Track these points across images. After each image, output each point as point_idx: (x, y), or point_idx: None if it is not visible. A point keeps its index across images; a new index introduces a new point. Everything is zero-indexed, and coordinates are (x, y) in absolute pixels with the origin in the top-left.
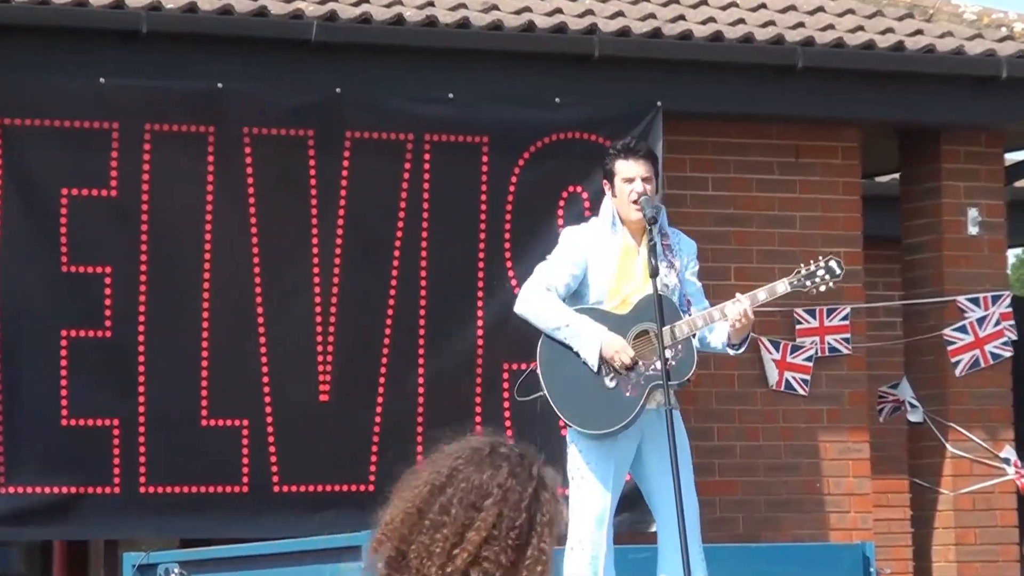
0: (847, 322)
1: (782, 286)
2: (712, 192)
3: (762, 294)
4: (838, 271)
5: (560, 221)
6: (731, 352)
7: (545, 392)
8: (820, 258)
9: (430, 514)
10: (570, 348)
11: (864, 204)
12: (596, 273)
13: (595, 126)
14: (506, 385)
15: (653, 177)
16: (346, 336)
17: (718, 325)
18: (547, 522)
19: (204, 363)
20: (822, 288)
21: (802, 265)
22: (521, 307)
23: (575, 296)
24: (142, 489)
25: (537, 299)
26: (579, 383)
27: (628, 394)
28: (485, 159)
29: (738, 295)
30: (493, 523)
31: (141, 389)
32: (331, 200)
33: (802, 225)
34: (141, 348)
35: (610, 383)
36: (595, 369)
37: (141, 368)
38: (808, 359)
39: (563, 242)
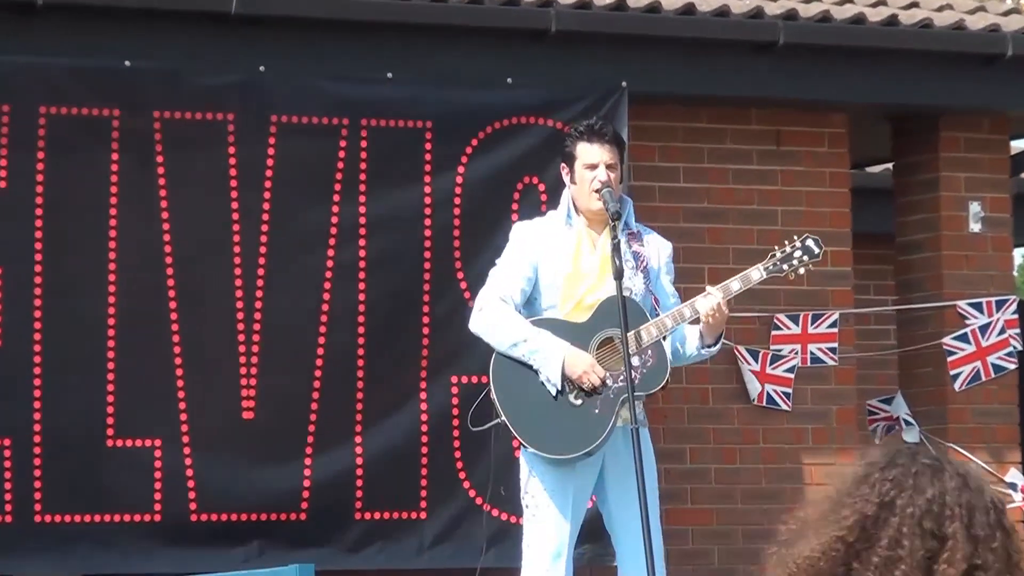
0: (834, 330)
1: (756, 273)
2: (683, 184)
3: (735, 284)
4: (816, 250)
5: (515, 216)
6: (704, 353)
7: (503, 418)
8: (796, 238)
9: (876, 549)
10: (527, 363)
11: (853, 198)
12: (548, 273)
13: (552, 110)
14: (455, 400)
15: (618, 165)
16: (273, 345)
17: (689, 329)
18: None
19: (110, 376)
20: (800, 271)
21: (776, 248)
22: (475, 324)
23: (527, 302)
24: (38, 518)
25: (491, 314)
26: (541, 403)
27: (597, 412)
28: (429, 147)
29: (709, 288)
30: (970, 551)
31: (37, 405)
32: (254, 193)
33: (784, 221)
34: (37, 359)
35: (576, 400)
36: (554, 394)
37: (37, 382)
38: (789, 370)
39: (512, 241)
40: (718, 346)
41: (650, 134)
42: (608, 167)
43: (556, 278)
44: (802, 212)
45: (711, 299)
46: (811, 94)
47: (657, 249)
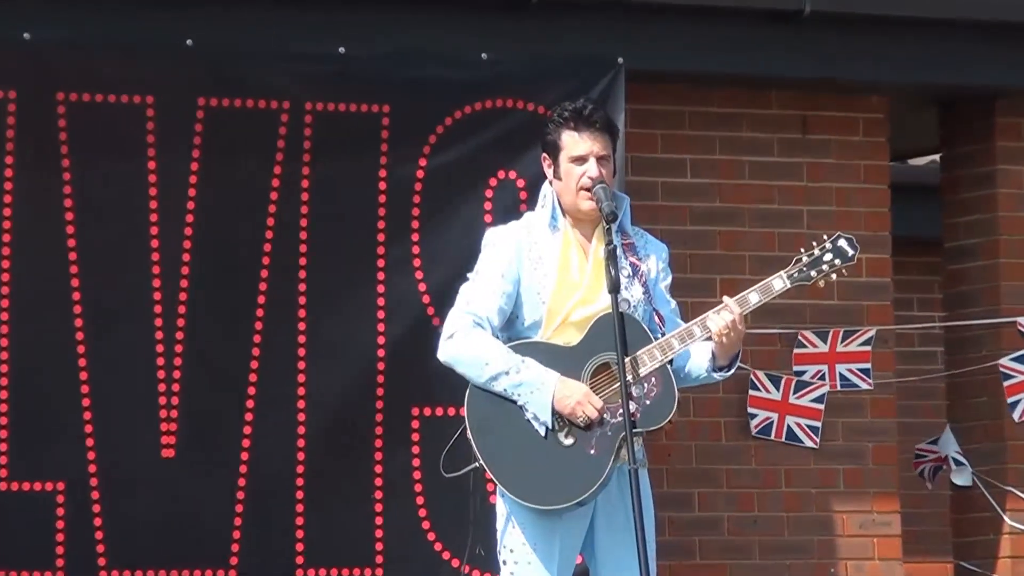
0: (868, 348)
1: (779, 282)
2: (691, 179)
3: (754, 296)
4: (850, 252)
5: (488, 217)
6: (717, 377)
7: (480, 461)
8: (825, 237)
9: None
10: (511, 398)
11: (894, 195)
12: (531, 288)
13: (533, 92)
14: (416, 436)
15: (611, 156)
16: (198, 371)
17: (698, 347)
18: None
19: (2, 408)
20: (832, 277)
21: (803, 251)
22: (445, 354)
23: (506, 323)
24: None
25: (464, 341)
26: (526, 444)
27: (593, 452)
28: (386, 135)
29: (726, 299)
30: None
31: None
32: (177, 189)
33: (811, 223)
34: None
35: (567, 440)
36: (543, 433)
37: None
38: (817, 400)
39: (486, 250)
40: (732, 370)
41: (652, 120)
42: (599, 160)
43: (541, 293)
44: (832, 212)
45: (725, 315)
46: (843, 72)
47: (655, 254)
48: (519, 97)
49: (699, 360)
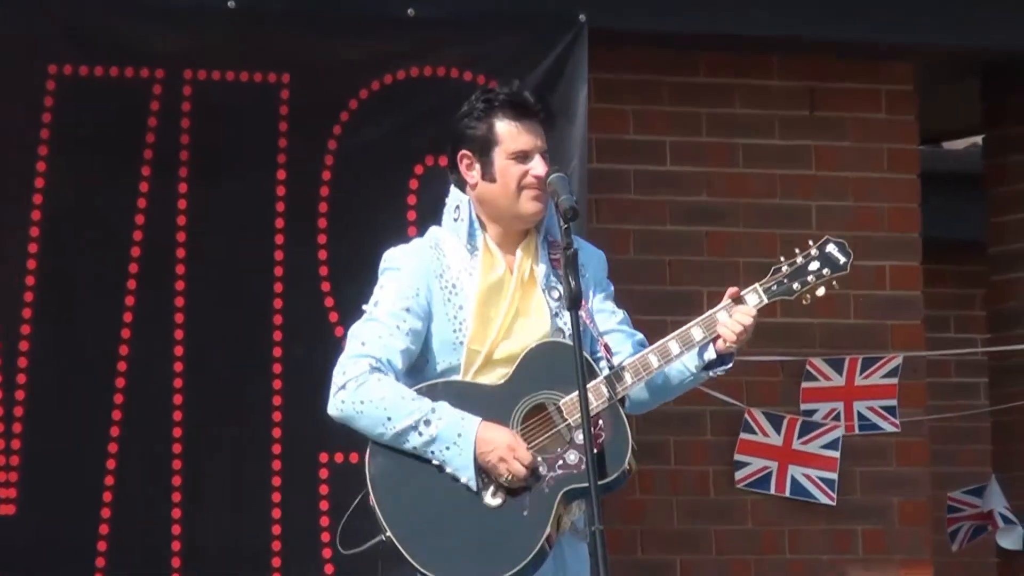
0: (894, 380)
1: (753, 297)
2: (671, 167)
3: (722, 315)
4: (841, 259)
5: (411, 214)
6: (705, 376)
7: (388, 532)
8: (811, 243)
9: None
10: (425, 457)
11: (925, 187)
12: (444, 324)
13: (473, 57)
14: (324, 489)
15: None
16: (45, 406)
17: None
18: None
19: None
20: (819, 291)
21: (782, 259)
22: (337, 408)
23: (412, 367)
24: None
25: (358, 392)
26: (444, 506)
27: (526, 514)
28: (284, 111)
29: (731, 297)
30: None
31: None
32: (22, 176)
33: (821, 221)
34: None
35: (493, 500)
36: (475, 488)
37: None
38: (830, 446)
39: (386, 277)
40: (730, 364)
41: (621, 93)
42: (543, 155)
43: (458, 331)
44: (848, 209)
45: (739, 315)
46: (861, 34)
47: (590, 264)
48: (454, 64)
49: (686, 360)
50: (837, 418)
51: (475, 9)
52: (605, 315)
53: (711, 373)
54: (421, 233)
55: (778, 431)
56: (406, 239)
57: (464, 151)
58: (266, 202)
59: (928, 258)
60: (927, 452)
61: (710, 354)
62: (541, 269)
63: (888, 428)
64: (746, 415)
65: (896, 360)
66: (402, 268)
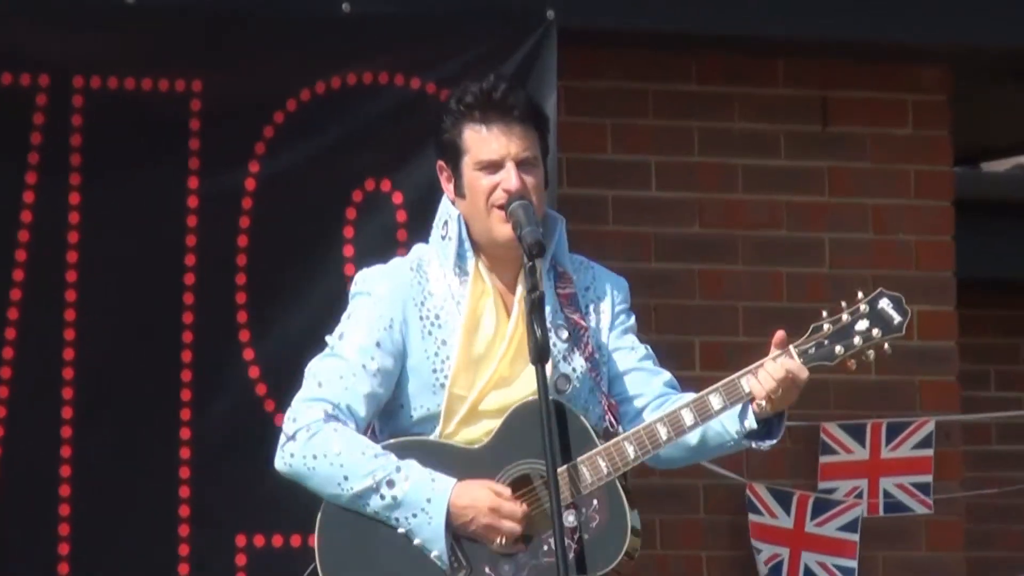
0: (929, 452)
1: (791, 365)
2: (657, 192)
3: (716, 398)
4: (896, 319)
5: (348, 249)
6: (756, 447)
7: None
8: (860, 296)
9: None
10: (388, 523)
11: (961, 216)
12: (423, 363)
13: (421, 60)
14: None
15: (539, 159)
16: None
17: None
18: None
19: None
20: (869, 355)
21: (824, 315)
22: (285, 462)
23: (383, 415)
24: None
25: (311, 444)
26: None
27: None
28: (196, 127)
29: (776, 353)
30: None
31: None
32: None
33: (835, 258)
34: None
35: None
36: (446, 566)
37: None
38: (848, 527)
39: (355, 304)
40: (781, 432)
41: (598, 103)
42: (521, 165)
43: (439, 371)
44: (868, 243)
45: (774, 368)
46: (884, 32)
47: (608, 295)
48: (398, 69)
49: (728, 421)
50: (860, 496)
51: (423, 5)
52: (624, 352)
53: (754, 445)
54: (360, 268)
55: (787, 511)
56: (340, 278)
57: (440, 161)
58: (173, 235)
59: (964, 301)
60: (962, 534)
61: (751, 421)
62: (546, 303)
63: (920, 509)
64: (748, 491)
65: (928, 426)
66: (373, 293)
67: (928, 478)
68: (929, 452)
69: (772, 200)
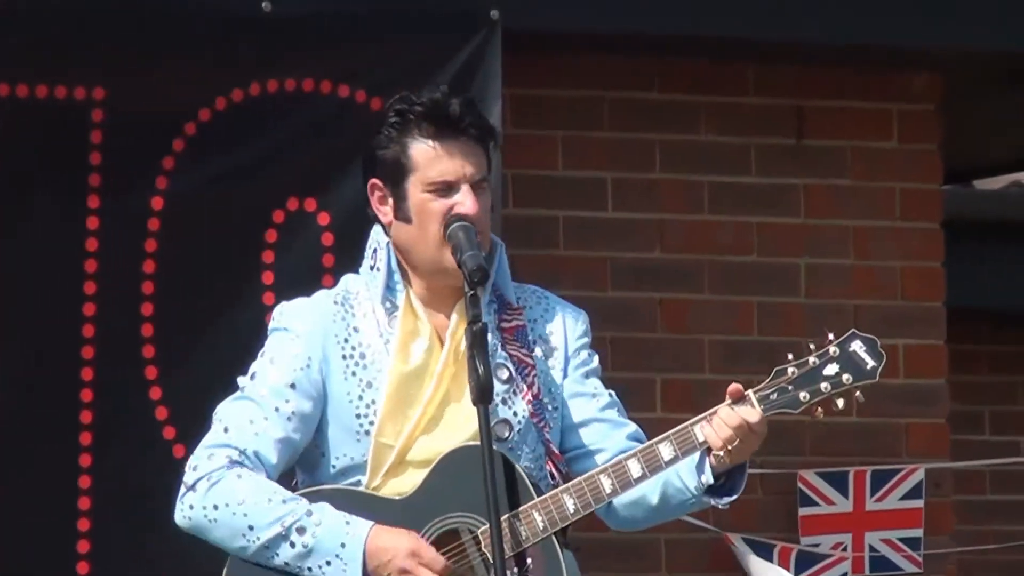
0: (919, 503)
1: (747, 411)
2: (614, 213)
3: (665, 449)
4: (870, 364)
5: (267, 277)
6: (715, 504)
7: None
8: (831, 338)
9: None
10: None
11: (951, 240)
12: (345, 407)
13: (351, 65)
14: None
15: (488, 180)
16: None
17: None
18: None
19: None
20: (838, 403)
21: (790, 357)
22: (184, 513)
23: (302, 464)
24: None
25: (213, 493)
26: None
27: None
28: (98, 140)
29: (732, 399)
30: None
31: None
32: None
33: (811, 287)
34: None
35: None
36: None
37: None
38: None
39: (273, 341)
40: (740, 490)
41: (547, 114)
42: (475, 187)
43: (364, 416)
44: (849, 269)
45: (730, 415)
46: (863, 35)
47: (562, 327)
48: (325, 75)
49: (684, 476)
50: (845, 551)
51: (353, 4)
52: (583, 400)
53: (712, 502)
54: (281, 297)
55: (772, 562)
56: (259, 308)
57: (374, 180)
58: (71, 261)
59: (955, 335)
60: None
61: (708, 475)
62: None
63: (908, 567)
64: (725, 541)
65: (916, 474)
66: (291, 329)
67: (918, 532)
68: (918, 503)
69: (742, 222)
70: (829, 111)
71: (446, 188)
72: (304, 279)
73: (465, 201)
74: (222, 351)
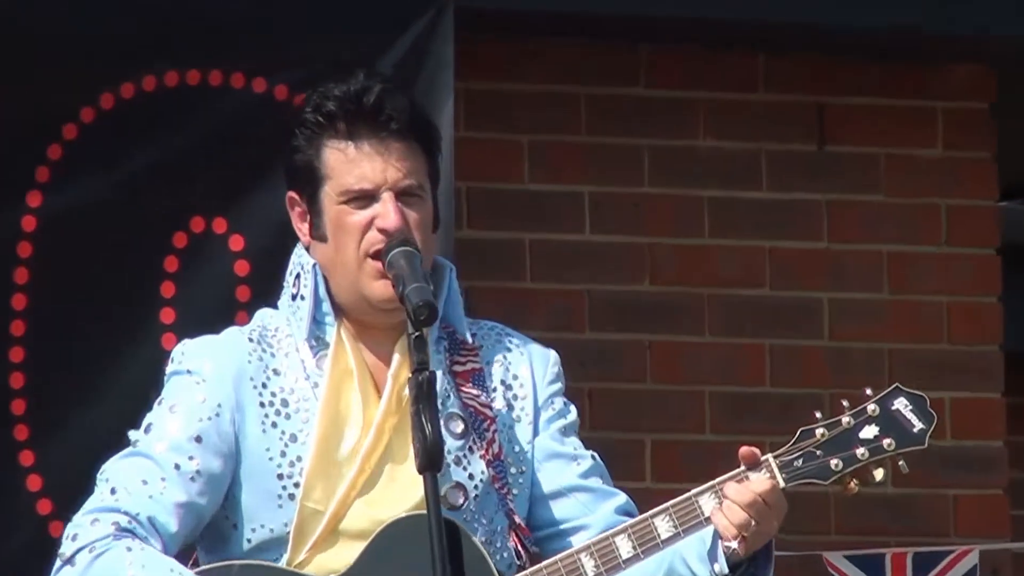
0: None
1: (760, 477)
2: (593, 236)
3: (706, 502)
4: (917, 426)
5: (166, 315)
6: None
7: None
8: (868, 394)
9: None
10: None
11: (1008, 268)
12: (263, 467)
13: (270, 58)
14: None
15: (426, 187)
16: None
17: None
18: None
19: None
20: (877, 475)
21: (817, 415)
22: None
23: (205, 537)
24: None
25: (92, 567)
26: None
27: None
28: None
29: (746, 453)
30: None
31: None
32: None
33: (837, 326)
34: None
35: None
36: None
37: None
38: None
39: (172, 387)
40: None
41: (511, 112)
42: (402, 196)
43: (287, 477)
44: (884, 305)
45: (746, 490)
46: (899, 18)
47: (527, 374)
48: (237, 66)
49: (690, 551)
50: None
51: None
52: (560, 464)
53: None
54: (182, 337)
55: None
56: (157, 353)
57: (291, 192)
58: None
59: (1015, 385)
60: None
61: (722, 565)
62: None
63: None
64: None
65: (969, 557)
66: (196, 372)
67: None
68: None
69: (751, 247)
70: (857, 110)
71: (364, 198)
72: (213, 317)
73: (387, 213)
74: (111, 407)
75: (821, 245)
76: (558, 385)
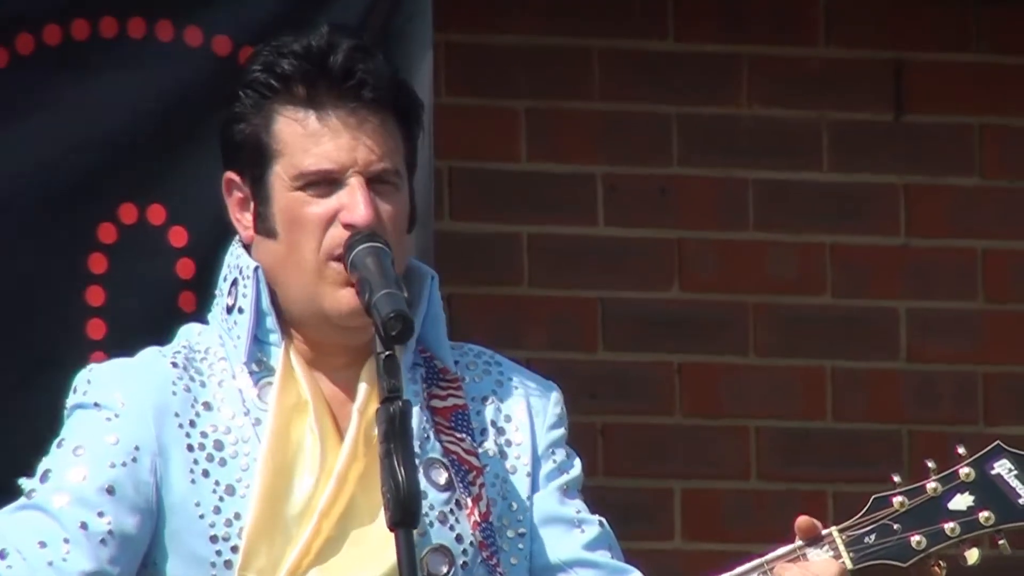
0: None
1: (820, 556)
2: (606, 228)
3: None
4: (1023, 496)
5: (94, 328)
6: None
7: None
8: (961, 452)
9: None
10: None
11: None
12: (192, 524)
13: (201, 6)
14: None
15: (402, 172)
16: None
17: None
18: None
19: None
20: (972, 554)
21: (895, 478)
22: None
23: None
24: None
25: None
26: None
27: None
28: None
29: (801, 543)
30: None
31: None
32: None
33: (917, 343)
34: None
35: None
36: None
37: None
38: None
39: (75, 423)
40: None
41: (505, 74)
42: (374, 182)
43: (223, 534)
44: (977, 316)
45: (805, 574)
46: None
47: (524, 416)
48: (164, 13)
49: None
50: None
51: None
52: (561, 531)
53: None
54: (115, 355)
55: None
56: (84, 365)
57: (230, 172)
58: None
59: None
60: None
61: None
62: (412, 421)
63: None
64: None
65: None
66: (106, 405)
67: None
68: None
69: (808, 243)
70: (945, 69)
71: (326, 183)
72: (152, 330)
73: (354, 203)
74: (23, 441)
75: (897, 241)
76: (560, 431)
